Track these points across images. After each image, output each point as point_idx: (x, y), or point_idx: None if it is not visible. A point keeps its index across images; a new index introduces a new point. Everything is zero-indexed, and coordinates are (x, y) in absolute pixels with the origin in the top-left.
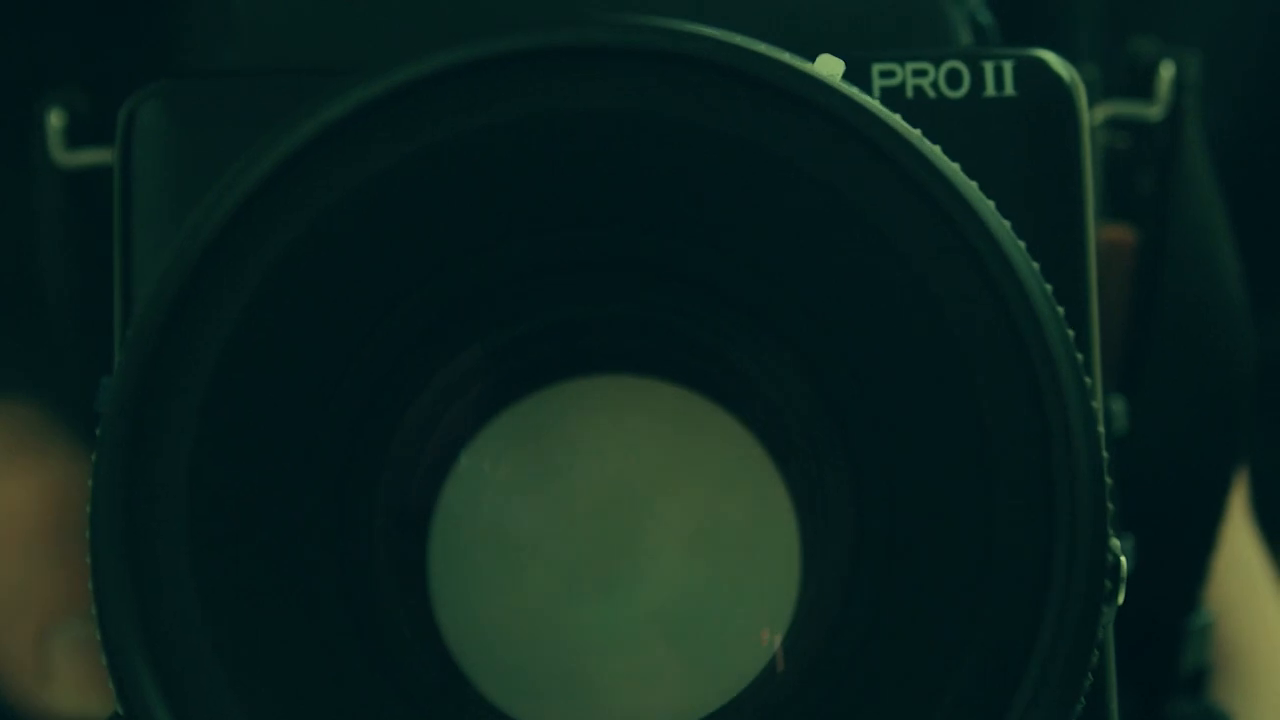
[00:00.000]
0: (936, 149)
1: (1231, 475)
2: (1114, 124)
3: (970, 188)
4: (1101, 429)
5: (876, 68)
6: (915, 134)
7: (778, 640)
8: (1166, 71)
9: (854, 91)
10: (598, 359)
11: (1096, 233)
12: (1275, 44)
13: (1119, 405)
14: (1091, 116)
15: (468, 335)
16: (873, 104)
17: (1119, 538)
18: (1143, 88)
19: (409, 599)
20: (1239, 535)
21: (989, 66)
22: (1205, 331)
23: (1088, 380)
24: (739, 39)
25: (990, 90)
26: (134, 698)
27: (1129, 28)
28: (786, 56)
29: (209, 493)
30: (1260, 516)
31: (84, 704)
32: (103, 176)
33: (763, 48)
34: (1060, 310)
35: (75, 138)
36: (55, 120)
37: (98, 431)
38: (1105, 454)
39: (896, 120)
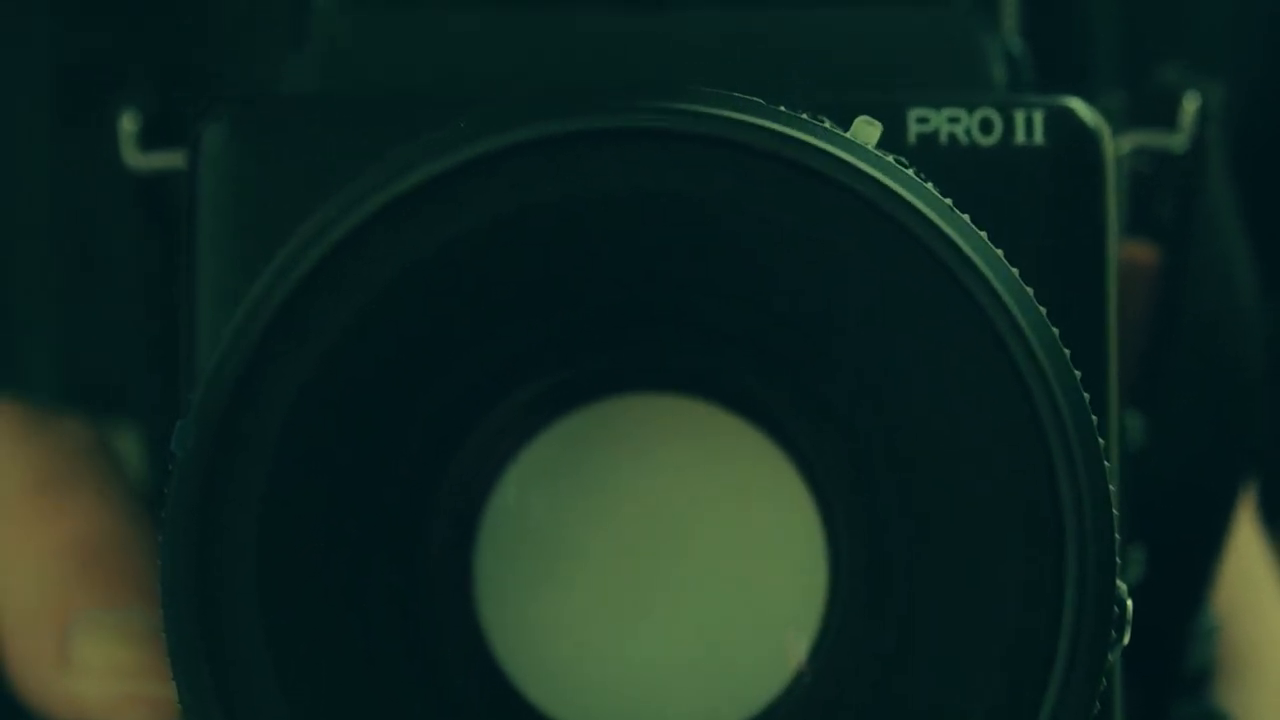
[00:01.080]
0: (965, 218)
1: (1241, 487)
2: (1139, 152)
3: (994, 256)
4: (1113, 486)
5: (912, 113)
6: (944, 206)
7: (801, 645)
8: (1191, 103)
9: (883, 172)
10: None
11: (1119, 250)
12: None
13: (1136, 421)
14: (1118, 145)
15: (514, 389)
16: (901, 183)
17: (1130, 548)
18: (1167, 117)
19: (459, 618)
20: (1246, 542)
21: (1020, 115)
22: (1221, 354)
23: (1102, 441)
24: (776, 124)
25: (1020, 138)
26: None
27: (1148, 53)
28: (820, 140)
29: (277, 538)
30: (1267, 515)
31: (106, 689)
32: (175, 180)
33: (800, 133)
34: (1078, 374)
35: (148, 140)
36: (128, 123)
37: (170, 470)
38: (1116, 512)
39: (925, 198)
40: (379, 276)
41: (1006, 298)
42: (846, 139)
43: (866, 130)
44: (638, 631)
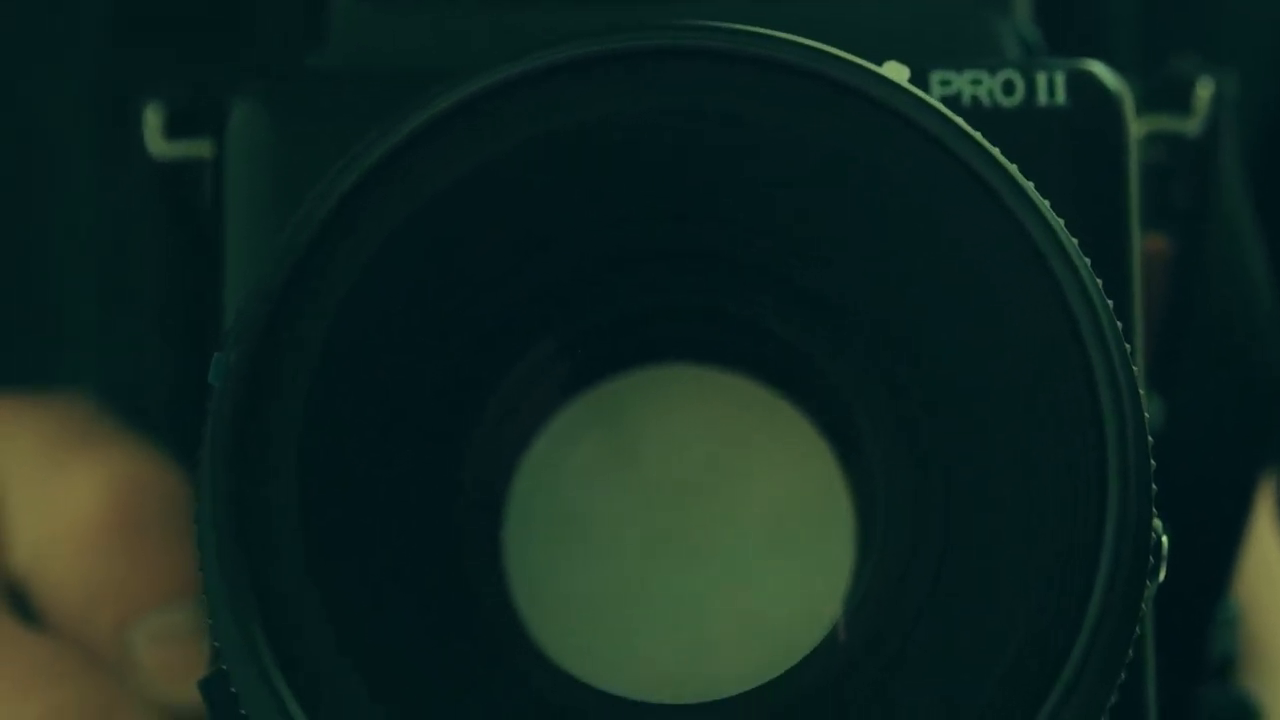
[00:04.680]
0: (997, 150)
1: (1260, 471)
2: (1152, 138)
3: (1029, 187)
4: (1147, 415)
5: (935, 76)
6: (978, 135)
7: (839, 612)
8: (1205, 89)
9: (922, 94)
10: (668, 347)
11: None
12: None
13: (1155, 405)
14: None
15: (547, 324)
16: (939, 105)
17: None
18: (1181, 103)
19: (491, 573)
20: (1265, 536)
21: (1042, 77)
22: (1237, 336)
23: (1135, 369)
24: (825, 46)
25: (1043, 99)
26: (247, 657)
27: (1166, 44)
28: (865, 63)
29: (316, 464)
30: None
31: (169, 694)
32: (196, 171)
33: (844, 55)
34: (1110, 303)
35: (172, 130)
36: (153, 114)
37: (209, 405)
38: (1150, 439)
39: (961, 122)
40: (413, 198)
41: (1050, 219)
42: (888, 73)
43: (897, 71)
44: (666, 596)
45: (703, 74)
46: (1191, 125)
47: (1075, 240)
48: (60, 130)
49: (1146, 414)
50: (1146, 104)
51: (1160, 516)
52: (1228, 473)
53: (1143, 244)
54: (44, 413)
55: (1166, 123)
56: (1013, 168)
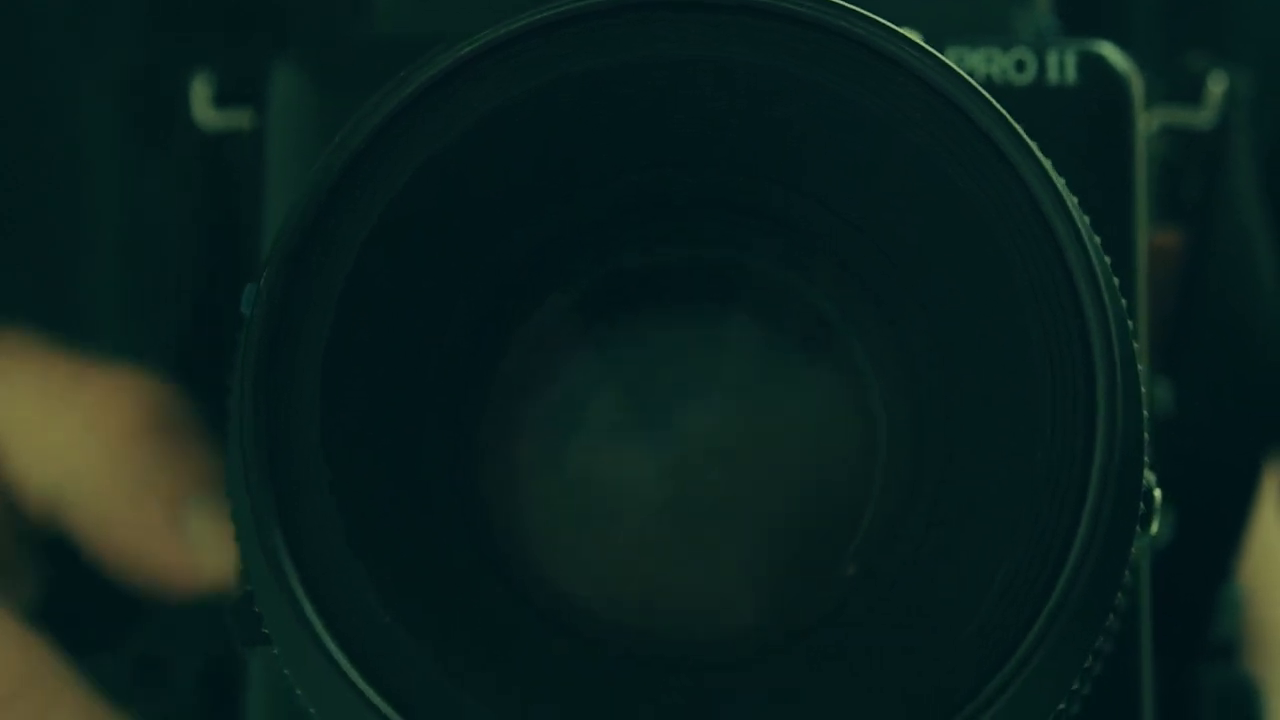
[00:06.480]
0: (1000, 105)
1: (1265, 457)
2: (1164, 132)
3: (1033, 145)
4: (1142, 366)
5: (950, 52)
6: (980, 87)
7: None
8: (1218, 83)
9: (935, 51)
10: (684, 296)
11: (1148, 234)
12: None
13: (1166, 390)
14: (1145, 122)
15: (563, 272)
16: (950, 63)
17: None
18: (1192, 97)
19: (509, 520)
20: (1269, 519)
21: (1053, 56)
22: (1243, 326)
23: (1130, 323)
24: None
25: (1053, 78)
26: (273, 575)
27: (1189, 42)
28: (885, 22)
29: (338, 393)
30: None
31: (227, 570)
32: (239, 141)
33: (866, 14)
34: (1108, 260)
35: (221, 100)
36: (201, 85)
37: (241, 336)
38: (1143, 389)
39: (973, 81)
40: (439, 137)
41: (1052, 174)
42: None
43: (912, 34)
44: (676, 548)
45: (706, 25)
46: (1203, 118)
47: (1075, 199)
48: (94, 107)
49: (1141, 366)
50: (1160, 96)
51: (1168, 497)
52: (1234, 458)
53: (1155, 236)
54: (30, 350)
55: (1178, 115)
56: (1016, 125)
